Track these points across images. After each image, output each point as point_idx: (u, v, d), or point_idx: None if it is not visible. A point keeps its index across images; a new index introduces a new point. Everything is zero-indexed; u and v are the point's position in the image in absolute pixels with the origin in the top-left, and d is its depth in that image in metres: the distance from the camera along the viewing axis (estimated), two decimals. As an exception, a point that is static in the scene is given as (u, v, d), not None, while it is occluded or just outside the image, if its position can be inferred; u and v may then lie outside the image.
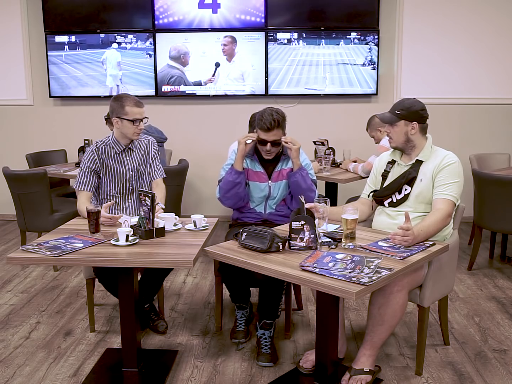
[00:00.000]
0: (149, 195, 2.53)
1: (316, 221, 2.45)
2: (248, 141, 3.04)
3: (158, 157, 3.26)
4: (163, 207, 3.05)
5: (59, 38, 5.57)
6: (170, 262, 2.42)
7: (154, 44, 5.54)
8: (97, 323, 3.28)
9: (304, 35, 5.48)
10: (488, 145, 5.58)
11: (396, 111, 2.70)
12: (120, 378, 2.66)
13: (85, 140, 4.91)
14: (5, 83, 5.78)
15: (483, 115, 5.65)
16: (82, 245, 2.42)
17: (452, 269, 2.83)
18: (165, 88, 5.62)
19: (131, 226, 2.56)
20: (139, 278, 3.09)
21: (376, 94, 5.57)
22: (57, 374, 2.73)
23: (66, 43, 5.57)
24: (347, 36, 5.45)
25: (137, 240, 2.48)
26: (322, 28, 5.45)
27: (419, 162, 2.71)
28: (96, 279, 3.06)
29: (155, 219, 2.58)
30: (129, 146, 3.13)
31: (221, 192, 3.11)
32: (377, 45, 5.44)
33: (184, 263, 2.34)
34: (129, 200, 3.18)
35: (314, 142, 4.73)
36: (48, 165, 5.02)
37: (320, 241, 2.41)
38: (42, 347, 3.02)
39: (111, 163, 3.09)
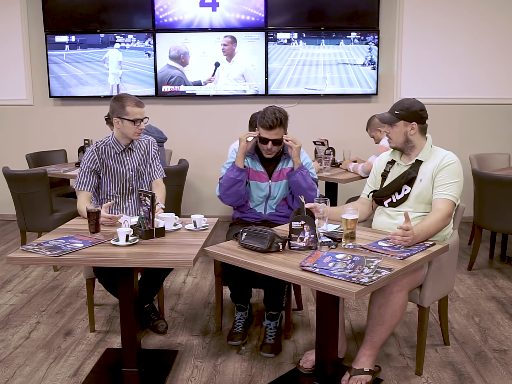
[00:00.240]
0: (149, 195, 2.53)
1: (316, 221, 2.45)
2: (249, 139, 3.04)
3: (158, 157, 3.26)
4: (163, 207, 3.05)
5: (59, 38, 5.57)
6: (170, 262, 2.42)
7: (154, 44, 5.54)
8: (97, 323, 3.28)
9: (304, 35, 5.48)
10: (488, 145, 5.58)
11: (396, 112, 2.69)
12: (120, 378, 2.66)
13: (85, 140, 4.91)
14: (5, 83, 5.78)
15: (483, 115, 5.65)
16: (82, 245, 2.42)
17: (452, 269, 2.83)
18: (165, 88, 5.62)
19: (131, 226, 2.56)
20: (139, 278, 3.09)
21: (376, 94, 5.57)
22: (57, 374, 2.73)
23: (66, 42, 5.58)
24: (347, 36, 5.45)
25: (137, 240, 2.48)
26: (322, 28, 5.45)
27: (418, 162, 2.71)
28: (96, 279, 3.06)
29: (155, 219, 2.58)
30: (129, 146, 3.13)
31: (221, 189, 3.11)
32: (377, 45, 5.44)
33: (184, 263, 2.34)
34: (129, 200, 3.18)
35: (314, 142, 4.73)
36: (48, 165, 5.02)
37: (320, 241, 2.41)
38: (42, 347, 3.02)
39: (111, 163, 3.09)
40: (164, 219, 2.68)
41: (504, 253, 4.52)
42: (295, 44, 5.49)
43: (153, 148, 3.23)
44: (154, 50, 5.55)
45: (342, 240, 2.42)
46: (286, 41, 5.49)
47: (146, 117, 3.07)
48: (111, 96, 3.75)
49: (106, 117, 4.48)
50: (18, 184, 4.21)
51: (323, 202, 2.54)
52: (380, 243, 2.43)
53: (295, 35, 5.47)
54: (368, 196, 2.88)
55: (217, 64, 5.57)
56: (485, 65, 5.53)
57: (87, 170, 3.05)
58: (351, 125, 5.62)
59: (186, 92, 5.64)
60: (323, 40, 5.48)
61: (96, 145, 3.09)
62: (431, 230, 2.51)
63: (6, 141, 5.91)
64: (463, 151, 4.65)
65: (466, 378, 2.67)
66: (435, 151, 2.73)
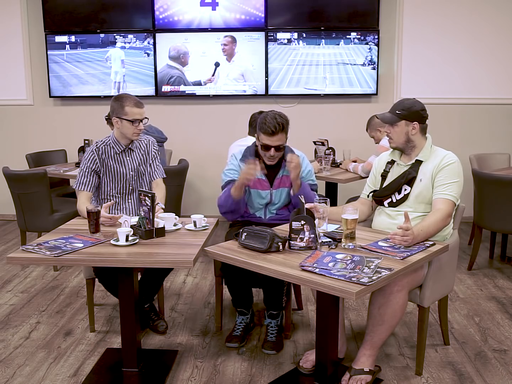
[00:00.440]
0: (149, 195, 2.53)
1: (316, 221, 2.45)
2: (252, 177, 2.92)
3: (158, 157, 3.26)
4: (163, 207, 3.05)
5: (59, 38, 5.57)
6: (170, 262, 2.42)
7: (154, 44, 5.54)
8: (97, 323, 3.28)
9: (304, 35, 5.48)
10: (488, 145, 5.58)
11: (397, 111, 2.69)
12: (120, 378, 2.66)
13: (85, 140, 4.91)
14: (5, 83, 5.78)
15: (483, 115, 5.65)
16: (82, 245, 2.42)
17: (452, 269, 2.83)
18: (165, 88, 5.62)
19: (131, 226, 2.56)
20: (139, 278, 3.09)
21: (376, 94, 5.57)
22: (57, 374, 2.73)
23: (67, 42, 5.57)
24: (347, 36, 5.45)
25: (137, 240, 2.48)
26: (322, 28, 5.45)
27: (418, 162, 2.71)
28: (96, 279, 3.06)
29: (155, 219, 2.58)
30: (129, 146, 3.13)
31: (220, 208, 3.04)
32: (377, 45, 5.44)
33: (184, 263, 2.34)
34: (129, 200, 3.18)
35: (314, 142, 4.73)
36: (48, 165, 5.02)
37: (320, 241, 2.41)
38: (42, 347, 3.02)
39: (111, 163, 3.09)
40: (164, 219, 2.68)
41: (504, 253, 4.52)
42: (295, 44, 5.49)
43: (153, 148, 3.23)
44: (154, 50, 5.55)
45: (342, 240, 2.42)
46: (286, 41, 5.49)
47: (145, 118, 3.07)
48: (111, 96, 3.75)
49: (107, 117, 4.48)
50: (18, 184, 4.21)
51: (323, 202, 2.54)
52: (380, 243, 2.43)
53: (295, 35, 5.47)
54: (368, 196, 2.88)
55: (217, 64, 5.57)
56: (485, 65, 5.53)
57: (87, 170, 3.05)
58: (351, 125, 5.62)
59: (186, 92, 5.64)
60: (323, 40, 5.48)
61: (96, 145, 3.09)
62: (431, 230, 2.51)
63: (6, 141, 5.91)
64: (463, 151, 4.65)
65: (466, 378, 2.67)
66: (435, 151, 2.73)
